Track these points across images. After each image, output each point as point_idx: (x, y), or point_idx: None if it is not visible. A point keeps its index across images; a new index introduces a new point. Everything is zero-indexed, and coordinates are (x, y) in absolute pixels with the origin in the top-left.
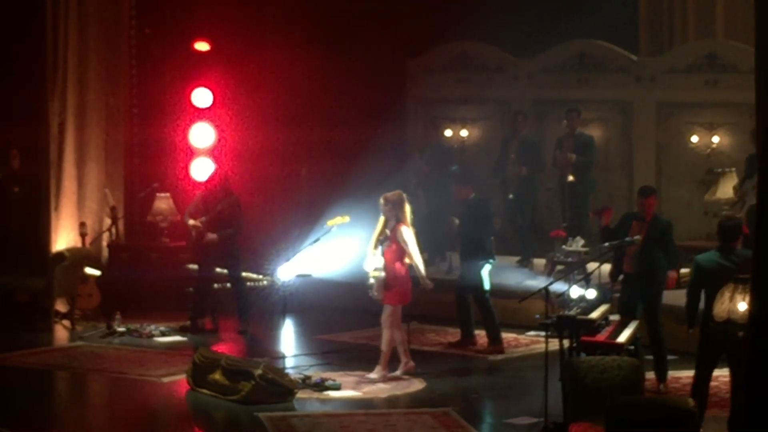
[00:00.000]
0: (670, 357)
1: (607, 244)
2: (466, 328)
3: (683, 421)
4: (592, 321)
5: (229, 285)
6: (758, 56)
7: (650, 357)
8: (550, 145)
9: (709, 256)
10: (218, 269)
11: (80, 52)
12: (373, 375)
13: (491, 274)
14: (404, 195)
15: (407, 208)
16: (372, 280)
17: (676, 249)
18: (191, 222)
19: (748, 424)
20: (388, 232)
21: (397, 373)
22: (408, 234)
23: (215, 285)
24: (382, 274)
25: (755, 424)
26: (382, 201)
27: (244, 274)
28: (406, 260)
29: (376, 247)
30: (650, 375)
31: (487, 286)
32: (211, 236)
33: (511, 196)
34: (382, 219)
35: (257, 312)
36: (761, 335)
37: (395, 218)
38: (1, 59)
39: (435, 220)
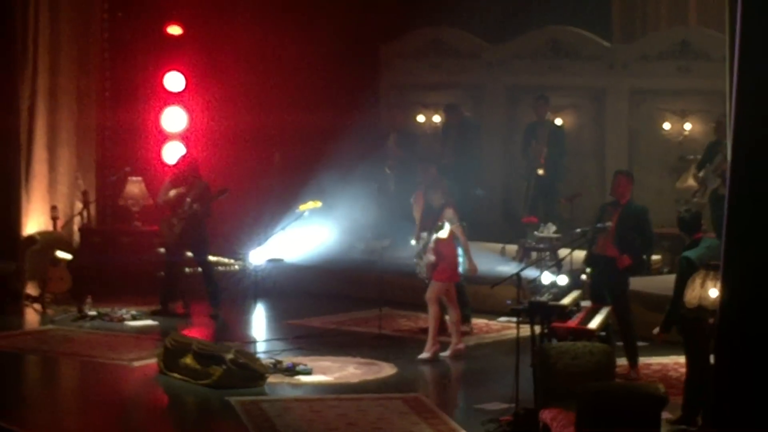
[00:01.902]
0: (640, 343)
1: (578, 230)
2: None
3: (654, 407)
4: (564, 307)
5: (199, 269)
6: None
7: (621, 343)
8: (521, 132)
9: (699, 251)
10: (187, 253)
11: (51, 35)
12: (424, 355)
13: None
14: (440, 176)
15: (445, 188)
16: (420, 263)
17: (651, 235)
18: (171, 193)
19: (716, 411)
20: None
21: (447, 353)
22: (450, 214)
23: (186, 269)
24: (432, 257)
25: (722, 410)
26: (430, 185)
27: (215, 258)
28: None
29: (419, 232)
30: (622, 361)
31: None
32: (195, 206)
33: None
34: (420, 204)
35: (229, 296)
36: (729, 322)
37: (443, 200)
38: None
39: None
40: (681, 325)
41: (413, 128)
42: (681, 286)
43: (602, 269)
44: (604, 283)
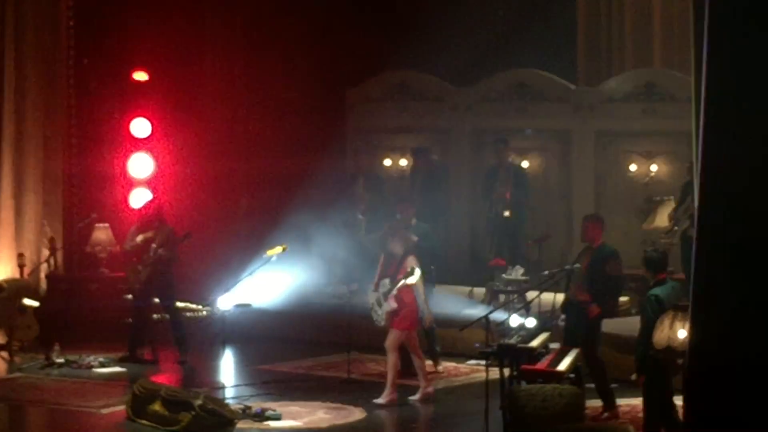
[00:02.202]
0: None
1: (546, 272)
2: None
3: None
4: (533, 349)
5: (166, 316)
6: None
7: (592, 385)
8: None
9: (666, 291)
10: (154, 299)
11: (17, 80)
12: (380, 400)
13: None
14: (404, 229)
15: (410, 239)
16: (378, 309)
17: (617, 278)
18: (139, 238)
19: None
20: (397, 262)
21: (417, 397)
22: (413, 262)
23: (154, 316)
24: (394, 304)
25: None
26: (390, 235)
27: (182, 304)
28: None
29: (379, 280)
30: (591, 403)
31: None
32: (161, 251)
33: (507, 213)
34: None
35: (196, 342)
36: (700, 365)
37: (404, 249)
38: None
39: (370, 248)
40: (644, 364)
41: (380, 172)
42: (650, 324)
43: (575, 313)
44: (576, 327)
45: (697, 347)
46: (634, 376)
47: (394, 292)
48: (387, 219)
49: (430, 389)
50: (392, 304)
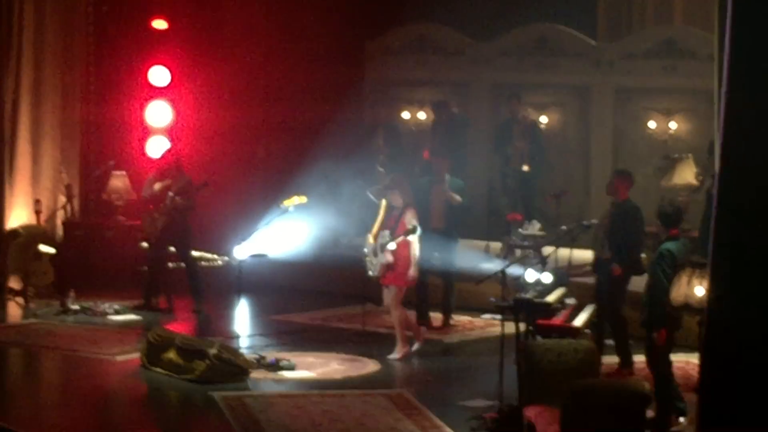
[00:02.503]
0: None
1: (564, 227)
2: (426, 308)
3: (639, 404)
4: (548, 304)
5: (182, 264)
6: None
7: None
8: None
9: (678, 246)
10: (170, 248)
11: (36, 29)
12: (394, 356)
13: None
14: (404, 178)
15: (409, 190)
16: (374, 260)
17: (638, 234)
18: (156, 186)
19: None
20: (397, 214)
21: (397, 356)
22: (412, 215)
23: (170, 264)
24: (390, 258)
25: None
26: (389, 186)
27: (198, 253)
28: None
29: (379, 230)
30: (606, 359)
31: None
32: (178, 199)
33: (526, 167)
34: (384, 203)
35: (212, 292)
36: (718, 322)
37: (404, 202)
38: None
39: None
40: (658, 318)
41: (398, 125)
42: (662, 279)
43: (602, 271)
44: (603, 284)
45: (716, 306)
46: (655, 334)
47: (393, 246)
48: (407, 171)
49: (406, 349)
50: (389, 258)
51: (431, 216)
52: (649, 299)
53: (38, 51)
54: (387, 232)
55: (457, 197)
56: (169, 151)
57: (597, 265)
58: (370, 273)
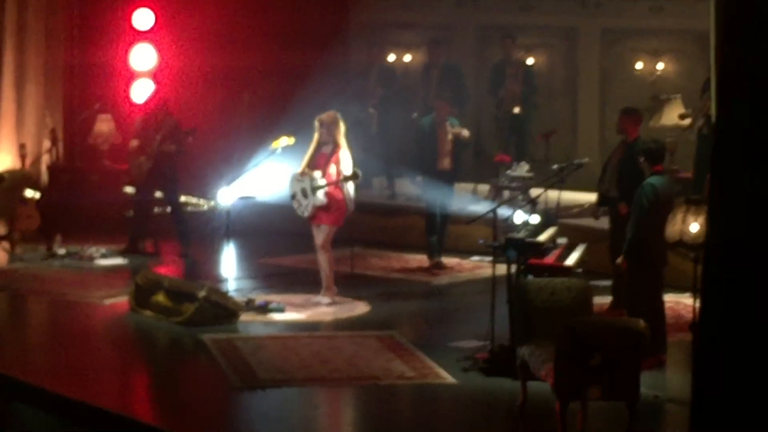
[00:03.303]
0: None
1: (555, 166)
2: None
3: (635, 341)
4: (540, 244)
5: (168, 209)
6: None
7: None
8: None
9: (662, 181)
10: (157, 193)
11: None
12: (321, 298)
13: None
14: (338, 115)
15: (342, 129)
16: (303, 200)
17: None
18: (134, 143)
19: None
20: (326, 153)
21: (325, 299)
22: (347, 155)
23: (155, 209)
24: (324, 200)
25: (709, 356)
26: (317, 123)
27: (184, 198)
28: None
29: (309, 167)
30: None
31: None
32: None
33: (517, 110)
34: (315, 139)
35: (198, 236)
36: (715, 261)
37: (332, 140)
38: None
39: (383, 143)
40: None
41: (389, 64)
42: (643, 212)
43: (610, 209)
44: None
45: (713, 246)
46: (619, 260)
47: (327, 188)
48: (401, 113)
49: (334, 290)
50: (322, 200)
51: (439, 158)
52: (628, 230)
53: None
54: (318, 174)
55: (465, 131)
56: (155, 94)
57: (602, 203)
58: (299, 213)
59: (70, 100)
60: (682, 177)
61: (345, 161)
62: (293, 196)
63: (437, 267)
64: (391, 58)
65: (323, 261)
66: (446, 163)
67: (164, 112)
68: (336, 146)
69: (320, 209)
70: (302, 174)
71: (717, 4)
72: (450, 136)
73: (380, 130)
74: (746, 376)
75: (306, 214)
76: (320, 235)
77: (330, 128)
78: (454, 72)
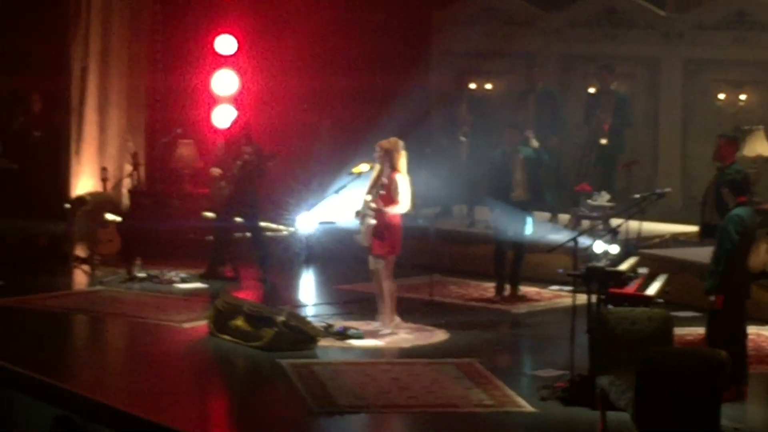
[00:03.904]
0: (696, 314)
1: (636, 196)
2: (503, 280)
3: (716, 372)
4: (621, 273)
5: (248, 234)
6: None
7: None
8: (578, 100)
9: (748, 212)
10: (237, 219)
11: None
12: (387, 329)
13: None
14: (399, 142)
15: (403, 156)
16: (362, 228)
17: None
18: (214, 170)
19: None
20: (384, 180)
21: (387, 329)
22: (403, 182)
23: (236, 234)
24: (373, 221)
25: None
26: (377, 148)
27: (264, 223)
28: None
29: (369, 193)
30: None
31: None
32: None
33: (604, 141)
34: (377, 167)
35: (278, 261)
36: None
37: (390, 166)
38: (24, 3)
39: (471, 171)
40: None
41: (479, 92)
42: (732, 244)
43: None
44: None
45: None
46: (712, 298)
47: (375, 212)
48: (492, 140)
49: (396, 321)
50: (370, 221)
51: (514, 187)
52: (715, 263)
53: (106, 19)
54: (368, 197)
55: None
56: (237, 120)
57: (705, 232)
58: (360, 242)
59: (152, 124)
60: (763, 209)
61: (400, 187)
62: (360, 227)
63: (501, 300)
64: (472, 86)
65: (386, 291)
66: (521, 193)
67: (246, 137)
68: (392, 171)
69: (374, 237)
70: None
71: None
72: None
73: (470, 157)
74: None
75: (362, 242)
76: (374, 263)
77: (389, 154)
78: (551, 97)
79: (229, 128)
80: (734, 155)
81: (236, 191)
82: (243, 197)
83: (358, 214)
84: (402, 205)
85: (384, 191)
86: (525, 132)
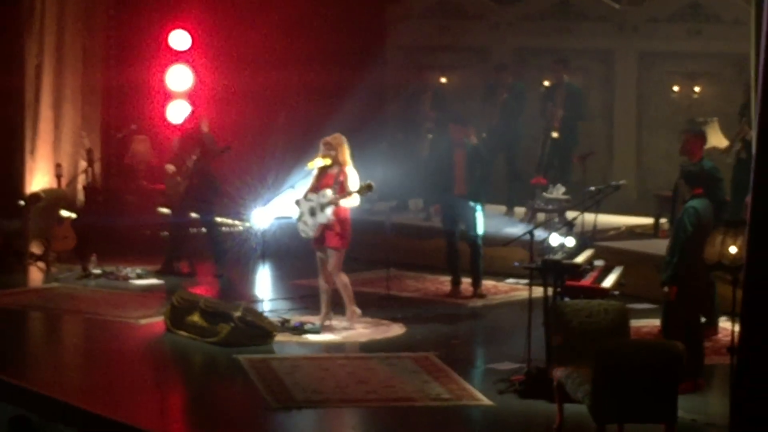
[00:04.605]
0: (651, 306)
1: (593, 188)
2: (457, 274)
3: (672, 364)
4: (578, 266)
5: (203, 230)
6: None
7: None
8: (533, 94)
9: (704, 204)
10: (192, 214)
11: None
12: (346, 322)
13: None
14: (343, 138)
15: (347, 151)
16: (309, 220)
17: (719, 196)
18: (171, 167)
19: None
20: (335, 173)
21: (349, 321)
22: (354, 175)
23: (191, 230)
24: (331, 215)
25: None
26: (322, 145)
27: (220, 219)
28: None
29: (314, 189)
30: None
31: (481, 230)
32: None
33: (555, 134)
34: (320, 161)
35: (234, 256)
36: (755, 284)
37: (338, 161)
38: None
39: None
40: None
41: (442, 87)
42: (687, 236)
43: None
44: None
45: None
46: (666, 289)
47: (331, 208)
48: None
49: (355, 310)
50: (330, 217)
51: (455, 182)
52: (670, 255)
53: (60, 15)
54: (329, 191)
55: (473, 138)
56: (191, 115)
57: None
58: (304, 235)
59: (107, 120)
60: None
61: (352, 179)
62: (299, 217)
63: (455, 294)
64: (443, 80)
65: (340, 285)
66: (461, 187)
67: (199, 131)
68: (342, 166)
69: (327, 229)
70: (306, 195)
71: (758, 27)
72: (464, 161)
73: (432, 152)
74: None
75: (311, 234)
76: (329, 260)
77: (335, 149)
78: (577, 93)
79: (183, 124)
80: (701, 150)
81: (191, 186)
82: (198, 193)
83: (298, 204)
84: (356, 198)
85: (337, 186)
86: (467, 128)
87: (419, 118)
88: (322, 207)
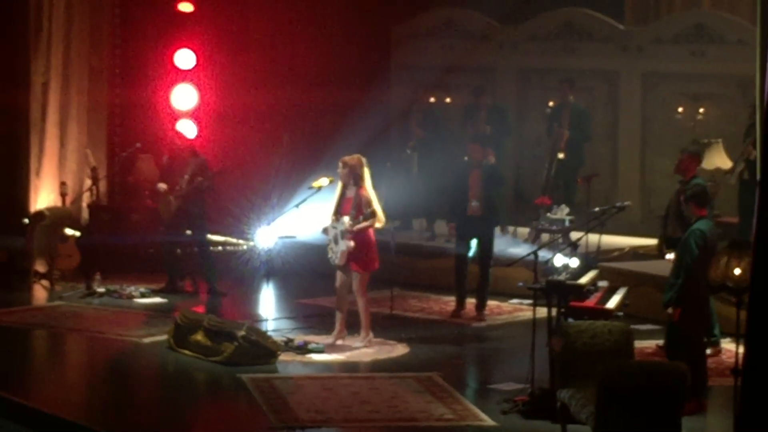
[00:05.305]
0: (655, 327)
1: (597, 209)
2: (463, 296)
3: (676, 385)
4: (581, 286)
5: (195, 249)
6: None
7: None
8: (537, 114)
9: (709, 225)
10: (187, 231)
11: (65, 11)
12: (359, 343)
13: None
14: (363, 159)
15: (366, 172)
16: (335, 247)
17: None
18: (160, 186)
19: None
20: (351, 196)
21: (362, 342)
22: (368, 197)
23: (178, 250)
24: (351, 243)
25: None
26: (340, 165)
27: (222, 238)
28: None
29: (337, 213)
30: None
31: (471, 252)
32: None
33: (561, 155)
34: (340, 184)
35: (237, 276)
36: (760, 305)
37: (354, 183)
38: None
39: (423, 184)
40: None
41: (434, 107)
42: (692, 258)
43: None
44: None
45: (759, 288)
46: (670, 310)
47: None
48: (443, 155)
49: (370, 335)
50: (350, 244)
51: (470, 202)
52: (675, 276)
53: (67, 34)
54: (346, 219)
55: (491, 158)
56: (180, 136)
57: (668, 245)
58: (333, 261)
59: (112, 139)
60: (722, 222)
61: (367, 201)
62: (328, 244)
63: (459, 315)
64: (431, 99)
65: (360, 306)
66: (476, 208)
67: (191, 152)
68: (359, 188)
69: (350, 255)
70: (335, 220)
71: (762, 48)
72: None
73: (420, 171)
74: None
75: (336, 261)
76: (353, 282)
77: (354, 170)
78: (501, 112)
79: (173, 144)
80: (696, 169)
81: (184, 205)
82: (190, 211)
83: (326, 231)
84: (375, 218)
85: (355, 210)
86: (486, 148)
87: (405, 135)
88: (342, 235)
